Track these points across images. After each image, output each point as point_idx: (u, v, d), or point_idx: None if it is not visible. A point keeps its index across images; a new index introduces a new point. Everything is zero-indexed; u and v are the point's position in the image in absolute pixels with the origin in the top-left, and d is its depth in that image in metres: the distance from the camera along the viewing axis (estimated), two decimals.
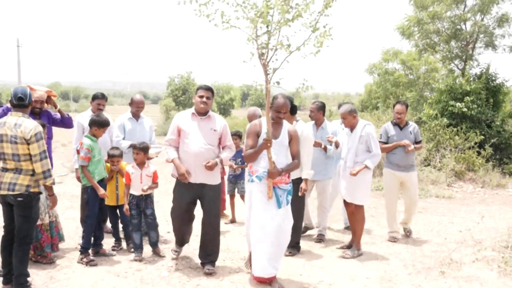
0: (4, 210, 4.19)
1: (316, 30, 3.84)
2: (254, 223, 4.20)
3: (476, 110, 11.84)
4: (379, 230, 6.59)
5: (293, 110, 5.14)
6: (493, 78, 12.89)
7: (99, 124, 5.01)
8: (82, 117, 6.02)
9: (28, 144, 3.93)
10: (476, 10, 13.45)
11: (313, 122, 6.04)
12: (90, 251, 5.00)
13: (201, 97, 4.47)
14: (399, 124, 6.05)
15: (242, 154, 4.47)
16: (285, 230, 4.27)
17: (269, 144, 3.98)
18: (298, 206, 5.10)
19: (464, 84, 12.12)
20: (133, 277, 4.61)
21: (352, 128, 5.41)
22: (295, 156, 4.38)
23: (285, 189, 4.23)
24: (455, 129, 11.42)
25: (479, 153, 11.11)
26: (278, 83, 3.99)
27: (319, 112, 5.89)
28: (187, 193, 4.63)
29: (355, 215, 5.45)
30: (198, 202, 4.85)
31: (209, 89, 4.54)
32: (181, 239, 5.01)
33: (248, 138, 4.31)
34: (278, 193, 4.15)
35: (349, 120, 5.37)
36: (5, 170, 4.04)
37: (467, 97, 11.86)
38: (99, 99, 6.16)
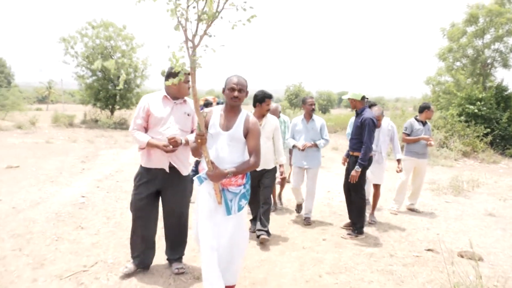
0: None
1: None
2: (200, 231, 2.64)
3: (485, 111, 13.10)
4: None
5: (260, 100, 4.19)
6: (505, 89, 13.90)
7: None
8: None
9: None
10: (493, 40, 14.44)
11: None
12: None
13: (187, 82, 3.18)
14: (423, 121, 5.69)
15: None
16: (238, 242, 2.74)
17: (199, 140, 2.47)
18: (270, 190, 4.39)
19: (477, 93, 13.42)
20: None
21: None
22: (252, 152, 2.72)
23: (236, 192, 2.68)
24: (465, 123, 12.92)
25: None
26: (196, 59, 2.27)
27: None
28: (153, 183, 3.22)
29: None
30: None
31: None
32: (135, 244, 3.34)
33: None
34: (228, 197, 2.65)
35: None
36: None
37: (478, 102, 13.19)
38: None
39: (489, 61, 14.82)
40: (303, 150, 4.92)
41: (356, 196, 4.58)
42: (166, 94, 3.22)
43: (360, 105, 4.59)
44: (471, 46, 14.92)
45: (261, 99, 4.23)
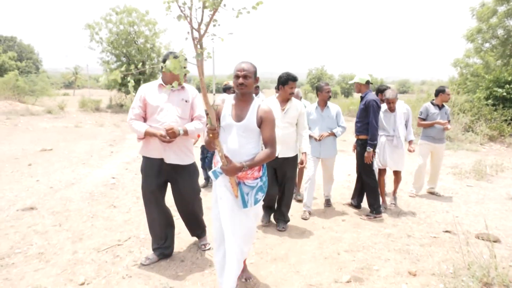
0: None
1: None
2: (223, 223, 2.62)
3: None
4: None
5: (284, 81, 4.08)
6: None
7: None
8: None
9: None
10: None
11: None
12: None
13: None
14: (439, 105, 5.69)
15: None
16: (252, 233, 2.81)
17: (211, 135, 2.39)
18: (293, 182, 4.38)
19: (506, 76, 13.03)
20: None
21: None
22: (267, 143, 2.63)
23: (253, 185, 2.64)
24: (493, 107, 12.63)
25: None
26: (204, 53, 2.09)
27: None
28: (158, 174, 3.23)
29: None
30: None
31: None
32: (155, 235, 3.42)
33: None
34: (244, 191, 2.61)
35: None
36: None
37: (507, 85, 12.81)
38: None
39: None
40: (319, 140, 4.79)
41: (367, 178, 4.77)
42: (162, 82, 3.20)
43: (364, 89, 4.76)
44: (501, 27, 14.40)
45: (284, 81, 4.08)
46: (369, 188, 4.79)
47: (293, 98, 4.18)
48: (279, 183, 4.27)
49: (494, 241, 4.06)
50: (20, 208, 4.66)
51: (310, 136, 4.80)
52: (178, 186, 3.34)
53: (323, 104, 4.91)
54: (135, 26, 19.98)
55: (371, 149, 4.58)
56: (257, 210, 2.82)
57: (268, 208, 4.40)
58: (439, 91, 5.72)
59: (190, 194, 3.40)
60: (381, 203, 5.06)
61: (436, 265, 3.49)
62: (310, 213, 4.83)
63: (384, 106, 5.13)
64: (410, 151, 5.28)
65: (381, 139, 5.13)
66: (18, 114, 14.81)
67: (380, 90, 5.56)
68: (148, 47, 20.23)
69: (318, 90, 4.90)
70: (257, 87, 6.46)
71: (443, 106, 5.74)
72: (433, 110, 5.71)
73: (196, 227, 3.67)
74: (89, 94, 23.82)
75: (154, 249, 3.44)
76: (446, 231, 4.35)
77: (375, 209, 4.74)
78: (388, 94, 5.02)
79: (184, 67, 2.09)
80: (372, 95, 4.66)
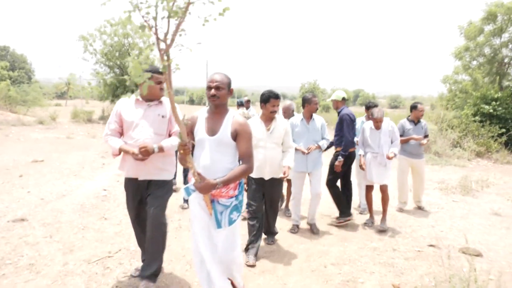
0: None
1: None
2: (198, 242, 2.55)
3: (500, 111, 13.08)
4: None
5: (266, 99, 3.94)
6: None
7: None
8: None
9: None
10: (511, 39, 14.38)
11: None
12: None
13: (159, 83, 2.97)
14: (414, 121, 5.87)
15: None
16: (233, 256, 2.60)
17: (182, 151, 2.27)
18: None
19: (493, 93, 13.41)
20: None
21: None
22: (244, 158, 2.53)
23: (227, 205, 2.51)
24: (480, 123, 12.96)
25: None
26: (176, 65, 1.99)
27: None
28: (136, 192, 3.14)
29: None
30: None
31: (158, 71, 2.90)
32: (144, 248, 3.32)
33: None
34: (218, 209, 2.50)
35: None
36: None
37: (494, 102, 13.18)
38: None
39: (506, 60, 14.74)
40: (307, 153, 4.65)
41: (330, 187, 5.13)
42: (138, 97, 3.07)
43: (341, 105, 5.14)
44: (488, 45, 14.89)
45: (266, 99, 3.93)
46: (334, 196, 5.16)
47: (277, 116, 4.02)
48: (266, 201, 4.17)
49: (476, 255, 4.19)
50: (11, 219, 4.69)
51: (296, 150, 4.55)
52: (148, 201, 3.08)
53: (308, 116, 4.78)
54: (130, 38, 20.19)
55: (342, 159, 4.88)
56: (234, 231, 2.61)
57: (252, 240, 3.94)
58: (412, 108, 5.97)
59: (158, 213, 3.04)
60: (368, 218, 5.26)
61: (419, 278, 3.61)
62: (298, 227, 4.90)
63: (369, 123, 5.15)
64: (388, 157, 4.93)
65: (367, 156, 5.11)
66: (10, 124, 14.79)
67: (368, 107, 5.76)
68: (141, 59, 20.41)
69: (305, 102, 4.76)
70: (248, 101, 6.60)
71: (419, 121, 5.89)
72: (409, 126, 5.89)
73: (151, 260, 3.12)
74: (81, 105, 23.86)
75: (143, 261, 3.48)
76: (431, 245, 4.47)
77: (344, 212, 5.06)
78: (376, 113, 4.99)
79: (149, 79, 1.98)
80: (346, 110, 5.04)
